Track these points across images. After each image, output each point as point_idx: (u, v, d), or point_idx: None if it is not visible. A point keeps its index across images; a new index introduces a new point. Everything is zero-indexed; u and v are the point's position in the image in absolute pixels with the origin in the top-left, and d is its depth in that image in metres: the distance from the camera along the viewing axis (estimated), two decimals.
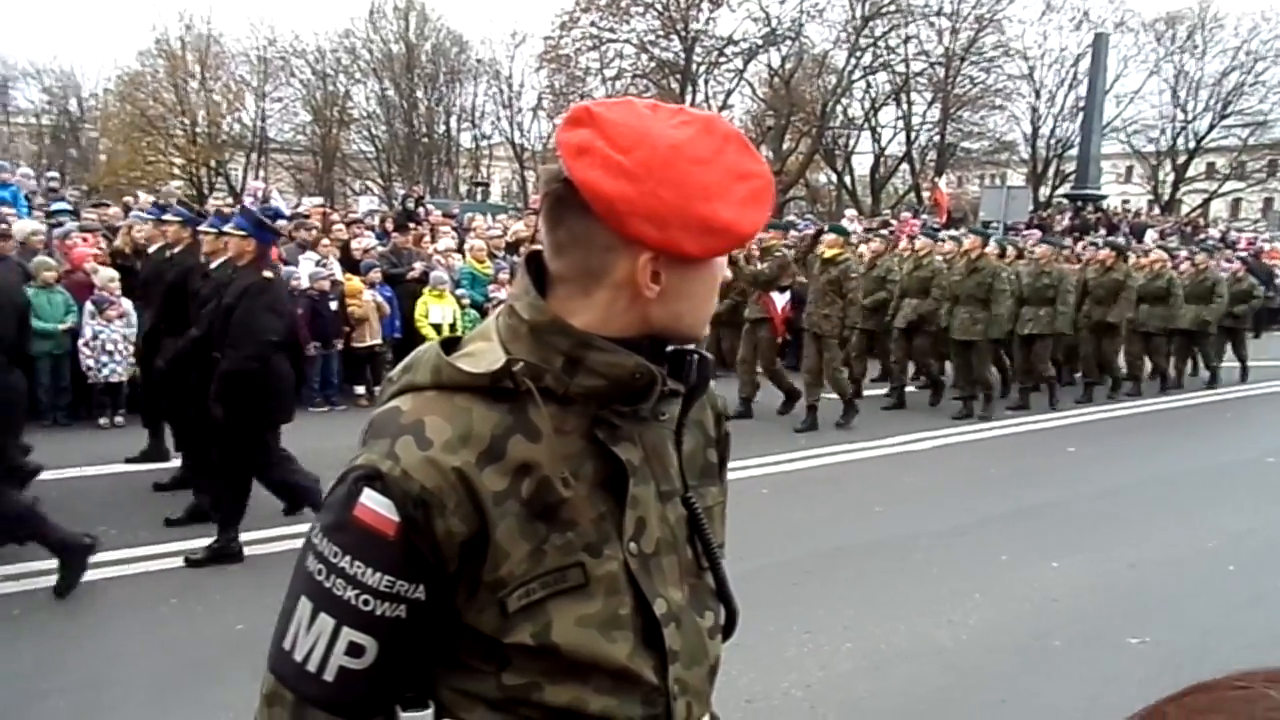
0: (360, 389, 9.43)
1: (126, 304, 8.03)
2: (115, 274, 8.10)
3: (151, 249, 6.99)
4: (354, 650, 0.92)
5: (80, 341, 7.88)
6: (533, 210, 13.68)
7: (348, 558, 0.91)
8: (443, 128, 35.37)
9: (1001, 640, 4.22)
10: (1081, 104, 29.80)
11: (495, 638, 0.94)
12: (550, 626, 0.94)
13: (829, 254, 8.49)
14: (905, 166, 34.38)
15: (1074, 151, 30.77)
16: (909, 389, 10.01)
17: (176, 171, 31.24)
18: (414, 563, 0.91)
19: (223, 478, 5.00)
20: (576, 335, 0.96)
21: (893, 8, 30.98)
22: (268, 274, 4.86)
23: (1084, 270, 11.03)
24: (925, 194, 29.93)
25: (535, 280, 1.00)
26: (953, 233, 12.67)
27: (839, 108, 32.88)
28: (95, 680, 3.63)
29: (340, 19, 54.71)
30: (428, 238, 11.20)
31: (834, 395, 8.61)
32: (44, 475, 6.30)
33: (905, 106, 33.03)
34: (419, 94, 34.30)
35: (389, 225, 11.71)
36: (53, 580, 4.49)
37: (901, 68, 32.08)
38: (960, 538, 5.61)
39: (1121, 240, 15.10)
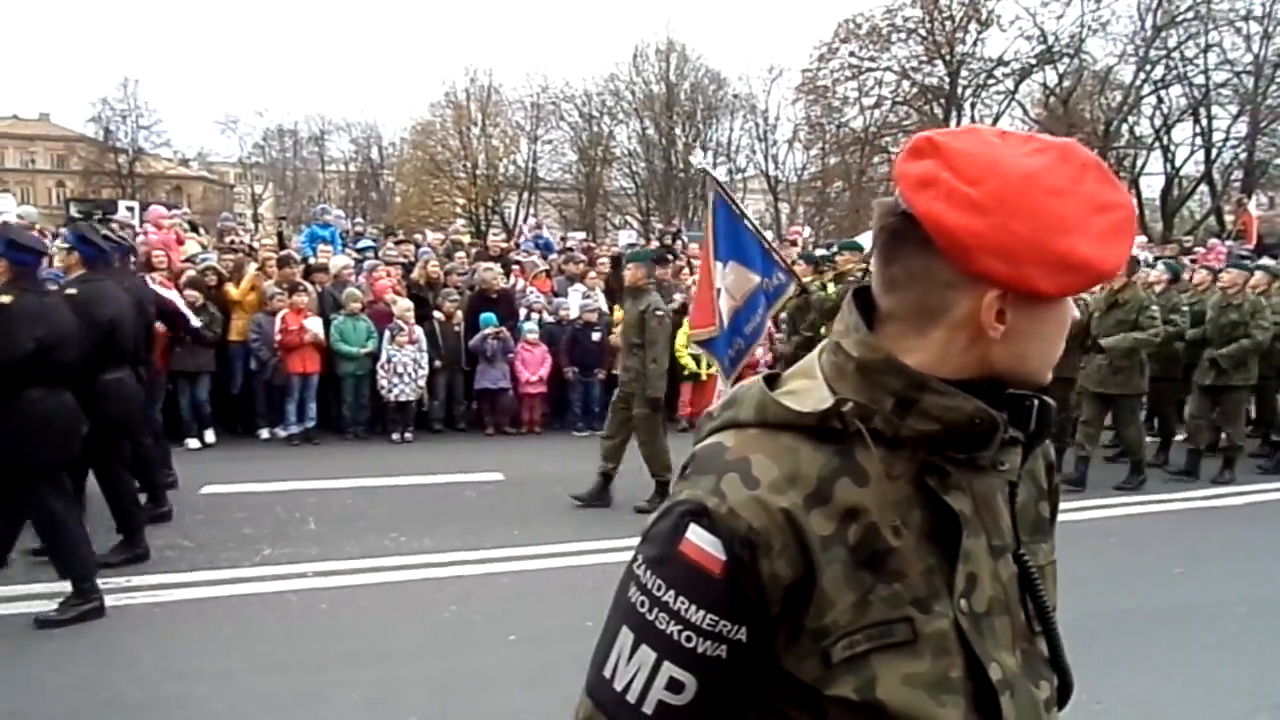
0: None
1: (418, 331, 8.85)
2: (410, 304, 8.96)
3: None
4: (674, 686, 0.91)
5: (378, 364, 8.75)
6: (790, 241, 13.64)
7: (671, 592, 0.91)
8: None
9: None
10: None
11: (815, 688, 0.90)
12: (875, 682, 0.89)
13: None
14: (1204, 188, 30.96)
15: None
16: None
17: (459, 210, 34.36)
18: (738, 603, 0.89)
19: (41, 531, 4.57)
20: (911, 375, 0.91)
21: (1190, 15, 28.17)
22: (4, 299, 4.33)
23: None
24: (1228, 217, 26.75)
25: (863, 317, 0.96)
26: (1267, 262, 11.12)
27: (1124, 125, 30.31)
28: (385, 677, 3.95)
29: (606, 64, 57.96)
30: (685, 270, 11.45)
31: None
32: (342, 484, 7.04)
33: (1204, 121, 29.77)
34: (677, 131, 35.52)
35: None
36: (357, 579, 4.95)
37: (1200, 79, 29.03)
38: None
39: None
